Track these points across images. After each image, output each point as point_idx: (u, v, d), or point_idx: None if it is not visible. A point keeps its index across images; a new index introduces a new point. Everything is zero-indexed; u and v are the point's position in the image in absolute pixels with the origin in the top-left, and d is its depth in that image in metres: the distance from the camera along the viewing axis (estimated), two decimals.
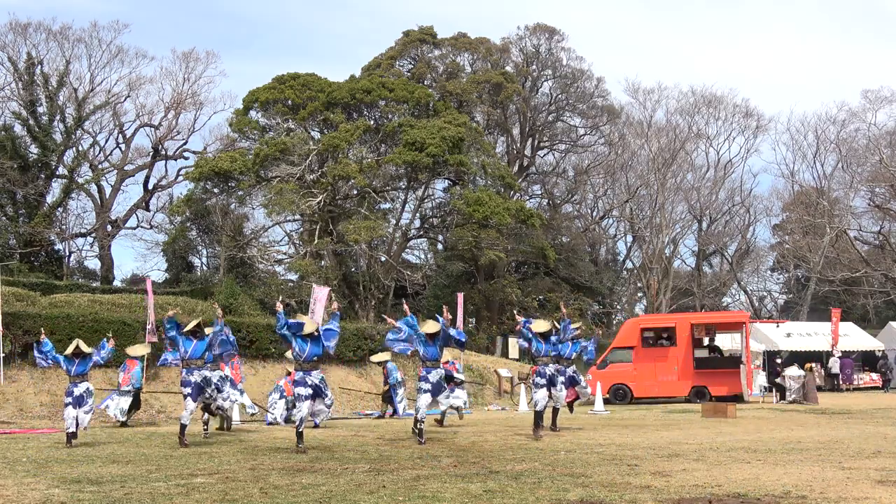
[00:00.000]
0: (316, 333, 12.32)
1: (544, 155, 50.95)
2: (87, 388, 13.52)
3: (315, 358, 12.33)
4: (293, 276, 37.97)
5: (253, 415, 18.65)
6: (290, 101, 37.47)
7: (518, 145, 48.16)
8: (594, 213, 53.12)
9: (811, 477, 8.79)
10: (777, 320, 37.22)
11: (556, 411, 15.05)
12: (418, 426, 12.84)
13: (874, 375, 33.49)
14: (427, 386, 12.95)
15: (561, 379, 14.50)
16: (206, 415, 14.73)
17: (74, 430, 13.09)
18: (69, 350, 13.56)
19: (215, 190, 37.82)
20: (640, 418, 18.48)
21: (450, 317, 13.37)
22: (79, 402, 13.25)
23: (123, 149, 45.32)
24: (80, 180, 42.44)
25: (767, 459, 10.51)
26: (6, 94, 41.20)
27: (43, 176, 40.97)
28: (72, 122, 41.71)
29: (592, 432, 15.14)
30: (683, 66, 79.03)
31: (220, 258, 41.60)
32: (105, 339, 14.86)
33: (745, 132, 51.85)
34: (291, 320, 12.58)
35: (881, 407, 22.32)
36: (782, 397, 24.89)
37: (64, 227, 42.72)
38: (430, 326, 13.33)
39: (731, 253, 52.83)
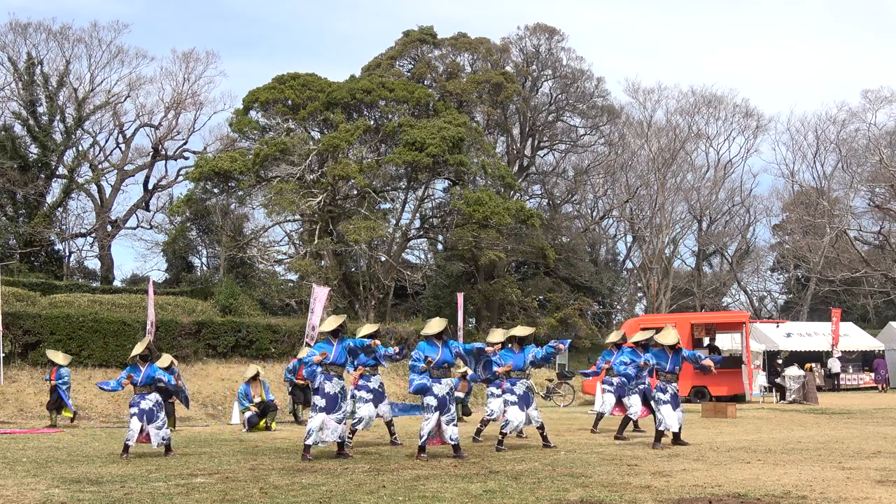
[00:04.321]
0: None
1: (544, 155, 50.97)
2: (157, 401, 11.84)
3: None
4: (293, 276, 37.98)
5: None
6: (290, 101, 37.48)
7: (518, 145, 48.16)
8: (594, 213, 53.13)
9: (811, 477, 8.79)
10: (777, 320, 37.21)
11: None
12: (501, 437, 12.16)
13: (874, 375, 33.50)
14: (514, 398, 12.19)
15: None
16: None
17: (133, 442, 11.52)
18: (137, 350, 11.91)
19: (215, 190, 37.82)
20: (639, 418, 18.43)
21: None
22: (149, 417, 11.64)
23: (123, 149, 45.37)
24: (80, 180, 42.44)
25: (767, 459, 10.51)
26: (6, 94, 41.23)
27: (43, 176, 40.96)
28: (72, 122, 41.72)
29: (592, 432, 15.14)
30: (683, 66, 79.14)
31: (220, 258, 41.60)
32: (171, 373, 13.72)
33: (745, 132, 51.93)
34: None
35: (881, 407, 22.32)
36: (782, 397, 24.90)
37: (64, 227, 42.74)
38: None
39: (731, 253, 52.84)
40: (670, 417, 12.28)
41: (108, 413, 19.24)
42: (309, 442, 10.95)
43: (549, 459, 10.73)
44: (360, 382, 12.58)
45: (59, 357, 17.72)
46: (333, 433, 11.06)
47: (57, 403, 17.60)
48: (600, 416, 15.72)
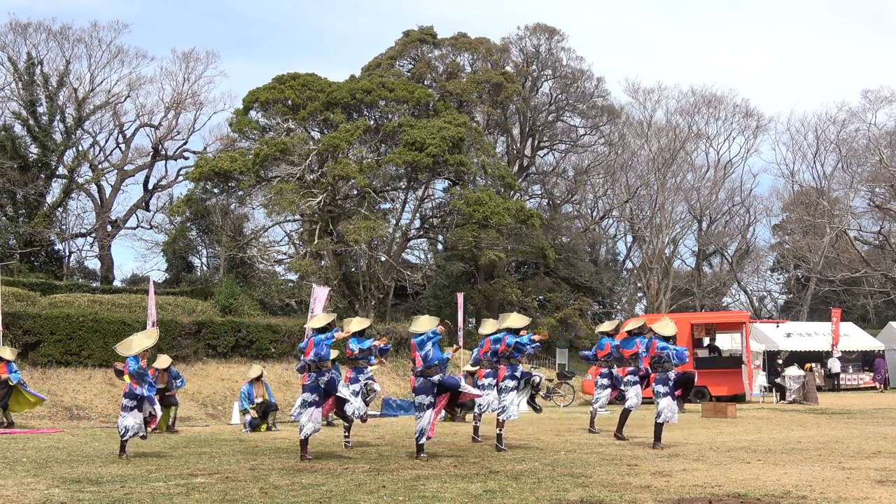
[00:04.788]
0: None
1: (544, 155, 50.96)
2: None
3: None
4: (293, 276, 37.97)
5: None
6: (290, 101, 37.47)
7: (518, 145, 48.15)
8: (594, 213, 53.12)
9: (811, 477, 8.78)
10: (777, 320, 37.21)
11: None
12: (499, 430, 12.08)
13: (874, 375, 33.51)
14: (514, 383, 12.17)
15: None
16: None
17: (143, 433, 11.54)
18: (136, 349, 11.59)
19: (215, 190, 37.83)
20: (640, 418, 18.43)
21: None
22: (149, 401, 11.62)
23: (123, 149, 45.35)
24: (80, 180, 42.43)
25: (767, 459, 10.50)
26: (6, 94, 41.21)
27: (43, 176, 40.96)
28: (72, 122, 41.71)
29: (592, 432, 15.14)
30: (683, 66, 79.14)
31: (220, 258, 41.60)
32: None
33: (745, 132, 51.91)
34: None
35: (881, 407, 22.32)
36: (782, 397, 24.89)
37: (64, 227, 42.73)
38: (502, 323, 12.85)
39: (731, 253, 52.84)
40: (670, 409, 12.25)
41: (108, 413, 19.25)
42: (302, 436, 10.95)
43: (549, 459, 10.73)
44: (352, 376, 12.65)
45: (6, 352, 17.51)
46: (360, 409, 11.49)
47: (4, 401, 17.22)
48: (594, 413, 15.66)
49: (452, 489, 8.08)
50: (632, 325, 14.50)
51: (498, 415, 12.15)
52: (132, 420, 11.42)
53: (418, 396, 11.01)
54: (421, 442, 10.85)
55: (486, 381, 13.05)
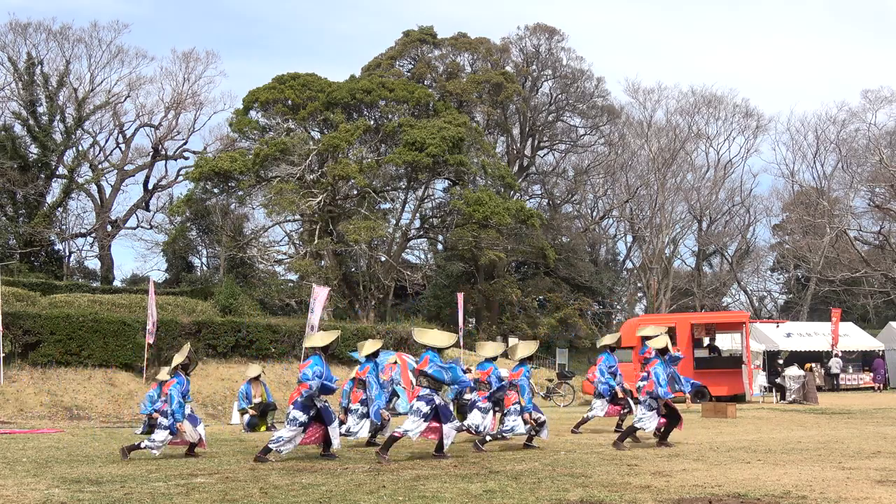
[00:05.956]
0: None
1: (544, 155, 51.01)
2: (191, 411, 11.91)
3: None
4: (293, 276, 37.99)
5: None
6: (290, 101, 37.49)
7: (518, 145, 48.17)
8: (594, 213, 53.14)
9: (811, 477, 8.78)
10: (777, 320, 37.18)
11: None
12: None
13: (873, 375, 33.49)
14: (518, 407, 12.35)
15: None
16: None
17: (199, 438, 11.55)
18: (177, 360, 11.44)
19: (215, 190, 37.84)
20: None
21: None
22: (192, 420, 11.54)
23: (123, 149, 45.41)
24: (80, 180, 42.45)
25: (767, 459, 10.50)
26: (6, 94, 41.25)
27: (43, 176, 40.97)
28: (72, 122, 41.73)
29: (592, 432, 15.13)
30: (683, 66, 79.19)
31: (220, 258, 41.62)
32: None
33: (745, 132, 51.99)
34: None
35: (881, 407, 22.30)
36: (782, 397, 24.88)
37: (64, 227, 42.75)
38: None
39: (731, 253, 52.85)
40: (651, 421, 12.21)
41: (108, 413, 19.25)
42: (271, 446, 10.65)
43: (549, 459, 10.72)
44: (363, 397, 12.41)
45: None
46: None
47: None
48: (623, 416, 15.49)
49: (452, 489, 8.08)
50: (649, 331, 14.14)
51: (504, 434, 12.26)
52: (161, 436, 11.18)
53: (419, 402, 10.93)
54: (395, 436, 10.74)
55: (480, 405, 12.76)
